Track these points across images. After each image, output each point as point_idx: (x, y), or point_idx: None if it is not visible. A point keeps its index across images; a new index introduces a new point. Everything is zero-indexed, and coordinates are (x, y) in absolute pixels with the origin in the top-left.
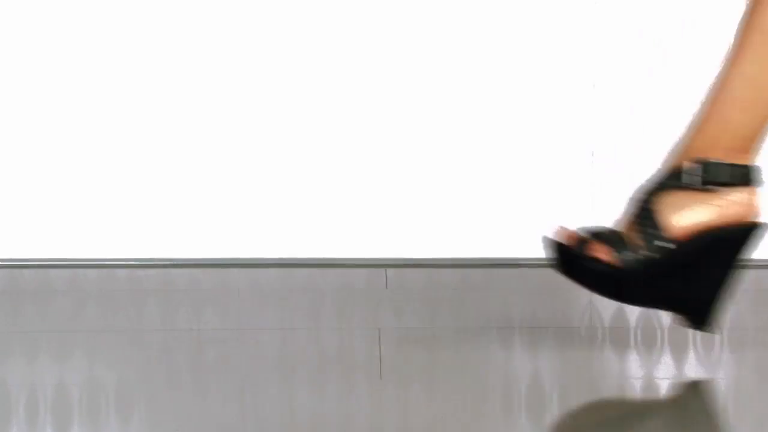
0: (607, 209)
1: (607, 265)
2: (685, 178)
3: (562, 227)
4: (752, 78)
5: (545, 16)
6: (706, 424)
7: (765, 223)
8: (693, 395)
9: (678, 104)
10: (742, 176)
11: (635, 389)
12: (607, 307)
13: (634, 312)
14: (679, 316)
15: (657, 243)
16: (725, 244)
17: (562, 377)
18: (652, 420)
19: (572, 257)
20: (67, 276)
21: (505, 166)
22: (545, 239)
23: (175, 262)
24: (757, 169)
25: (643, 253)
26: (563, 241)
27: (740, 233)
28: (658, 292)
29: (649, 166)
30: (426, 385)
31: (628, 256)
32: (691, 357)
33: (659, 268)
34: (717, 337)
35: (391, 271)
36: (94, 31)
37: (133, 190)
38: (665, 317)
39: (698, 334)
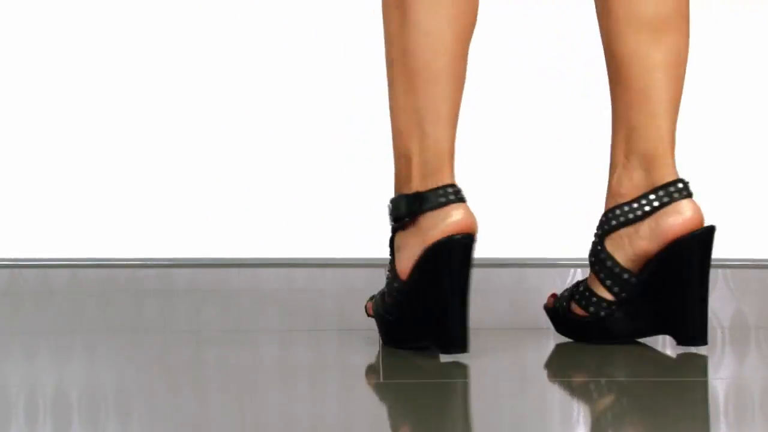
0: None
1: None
2: (391, 221)
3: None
4: (402, 107)
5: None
6: (706, 424)
7: (471, 234)
8: (693, 395)
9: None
10: (423, 201)
11: (635, 389)
12: None
13: None
14: (434, 345)
15: (389, 288)
16: (439, 265)
17: (564, 378)
18: (652, 420)
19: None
20: (67, 276)
21: (505, 167)
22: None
23: (175, 262)
24: (453, 185)
25: (387, 300)
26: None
27: (445, 249)
28: (412, 332)
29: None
30: (427, 385)
31: (378, 306)
32: (692, 357)
33: (404, 312)
34: (719, 337)
35: None
36: (94, 31)
37: (132, 190)
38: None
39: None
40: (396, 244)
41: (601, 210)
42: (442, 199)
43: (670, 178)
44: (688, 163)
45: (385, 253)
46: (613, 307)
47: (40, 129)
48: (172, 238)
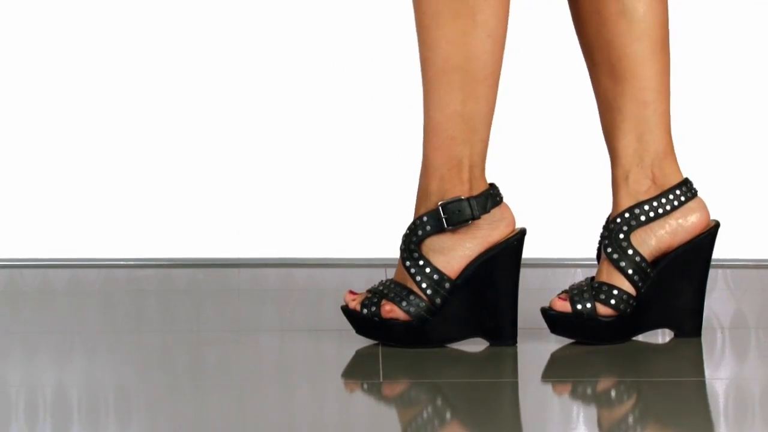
0: (604, 208)
1: (397, 321)
2: (432, 224)
3: (350, 293)
4: (459, 114)
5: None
6: (706, 424)
7: (524, 228)
8: (693, 395)
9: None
10: (485, 202)
11: (635, 390)
12: None
13: None
14: (486, 339)
15: (434, 287)
16: (499, 262)
17: (565, 378)
18: (652, 420)
19: (367, 322)
20: (67, 276)
21: (505, 166)
22: (342, 309)
23: (175, 262)
24: (493, 185)
25: (426, 299)
26: (353, 307)
27: (509, 247)
28: (455, 327)
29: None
30: (427, 386)
31: (415, 306)
32: (692, 357)
33: (445, 308)
34: (719, 337)
35: (391, 271)
36: (94, 31)
37: (132, 190)
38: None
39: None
40: (435, 247)
41: (601, 210)
42: (498, 199)
43: (679, 175)
44: (687, 163)
45: (384, 253)
46: (633, 302)
47: (40, 129)
48: (172, 238)
